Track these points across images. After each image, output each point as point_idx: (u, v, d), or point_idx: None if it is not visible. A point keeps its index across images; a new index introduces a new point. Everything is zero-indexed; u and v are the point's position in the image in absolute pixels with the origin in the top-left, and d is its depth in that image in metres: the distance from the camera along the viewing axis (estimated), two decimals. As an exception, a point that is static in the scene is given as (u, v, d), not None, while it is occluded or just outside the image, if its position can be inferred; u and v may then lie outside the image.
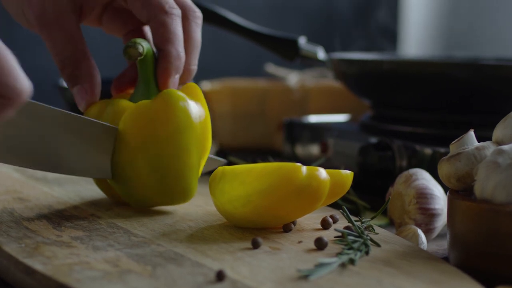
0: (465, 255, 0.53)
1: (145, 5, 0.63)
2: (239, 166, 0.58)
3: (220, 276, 0.46)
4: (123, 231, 0.57)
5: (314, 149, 0.87)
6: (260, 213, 0.56)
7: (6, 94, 0.47)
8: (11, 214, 0.62)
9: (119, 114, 0.61)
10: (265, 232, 0.57)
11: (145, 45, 0.62)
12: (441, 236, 0.65)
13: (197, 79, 0.74)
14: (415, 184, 0.63)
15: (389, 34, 1.71)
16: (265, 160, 0.79)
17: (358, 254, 0.51)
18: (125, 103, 0.62)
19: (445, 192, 0.63)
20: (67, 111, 0.59)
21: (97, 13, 0.68)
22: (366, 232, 0.56)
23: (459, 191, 0.55)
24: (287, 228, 0.58)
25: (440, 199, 0.63)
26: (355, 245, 0.52)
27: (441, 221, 0.63)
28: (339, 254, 0.51)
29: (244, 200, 0.56)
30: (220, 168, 0.58)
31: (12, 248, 0.52)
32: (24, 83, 0.47)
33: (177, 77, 0.64)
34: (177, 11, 0.64)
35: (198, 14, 0.67)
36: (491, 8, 1.64)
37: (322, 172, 0.56)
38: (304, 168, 0.55)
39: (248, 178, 0.56)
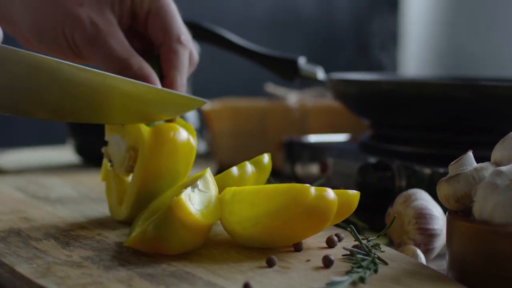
0: (464, 275, 0.53)
1: (164, 30, 0.67)
2: (247, 187, 0.58)
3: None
4: (132, 250, 0.57)
5: (314, 169, 0.87)
6: (269, 234, 0.57)
7: None
8: (18, 234, 0.62)
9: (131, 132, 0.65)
10: (273, 251, 0.58)
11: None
12: (440, 256, 0.65)
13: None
14: (414, 204, 0.63)
15: (389, 55, 1.72)
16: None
17: (368, 272, 0.52)
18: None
19: (445, 212, 0.63)
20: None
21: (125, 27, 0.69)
22: (373, 251, 0.57)
23: (458, 212, 0.55)
24: (298, 248, 0.58)
25: (439, 219, 0.63)
26: (364, 263, 0.53)
27: (440, 241, 0.63)
28: (348, 272, 0.52)
29: (254, 221, 0.56)
30: (229, 189, 0.58)
31: (24, 269, 0.52)
32: None
33: None
34: (190, 45, 0.67)
35: (195, 61, 0.69)
36: (490, 29, 1.65)
37: (330, 193, 0.56)
38: (312, 189, 0.55)
39: (257, 199, 0.56)
